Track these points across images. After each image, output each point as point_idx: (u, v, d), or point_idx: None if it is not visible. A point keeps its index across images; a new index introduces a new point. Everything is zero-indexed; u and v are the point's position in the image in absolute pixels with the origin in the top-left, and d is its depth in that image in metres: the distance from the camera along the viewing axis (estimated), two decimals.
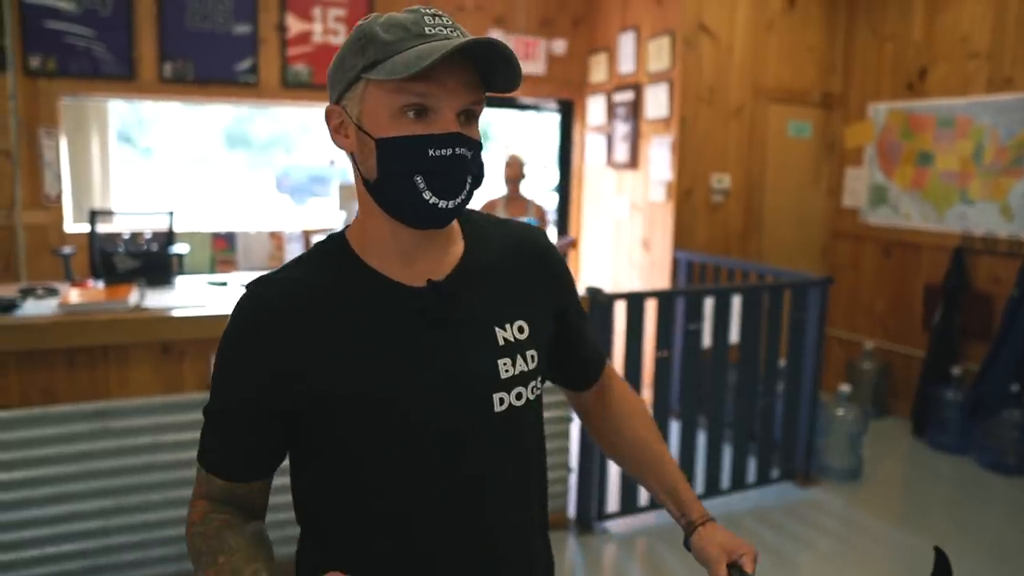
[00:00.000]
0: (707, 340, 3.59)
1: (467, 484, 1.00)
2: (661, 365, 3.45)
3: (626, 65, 5.30)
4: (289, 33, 4.94)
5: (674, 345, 3.60)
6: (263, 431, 0.98)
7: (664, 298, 3.47)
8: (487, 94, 0.96)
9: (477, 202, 4.69)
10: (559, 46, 5.62)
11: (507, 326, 1.02)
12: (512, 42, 5.47)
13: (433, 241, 1.00)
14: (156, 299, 2.84)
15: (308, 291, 0.97)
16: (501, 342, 1.01)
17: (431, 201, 0.93)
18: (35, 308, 2.67)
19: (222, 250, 4.96)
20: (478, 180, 0.97)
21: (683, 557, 3.28)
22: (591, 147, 5.81)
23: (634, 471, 1.20)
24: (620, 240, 5.53)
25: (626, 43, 5.29)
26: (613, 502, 3.51)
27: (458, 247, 1.04)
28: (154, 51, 4.75)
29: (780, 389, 3.99)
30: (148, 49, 4.74)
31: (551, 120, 6.01)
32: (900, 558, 3.36)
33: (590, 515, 3.42)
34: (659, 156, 5.00)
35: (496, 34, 5.43)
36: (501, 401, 1.00)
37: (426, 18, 0.92)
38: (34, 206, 4.62)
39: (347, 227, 1.04)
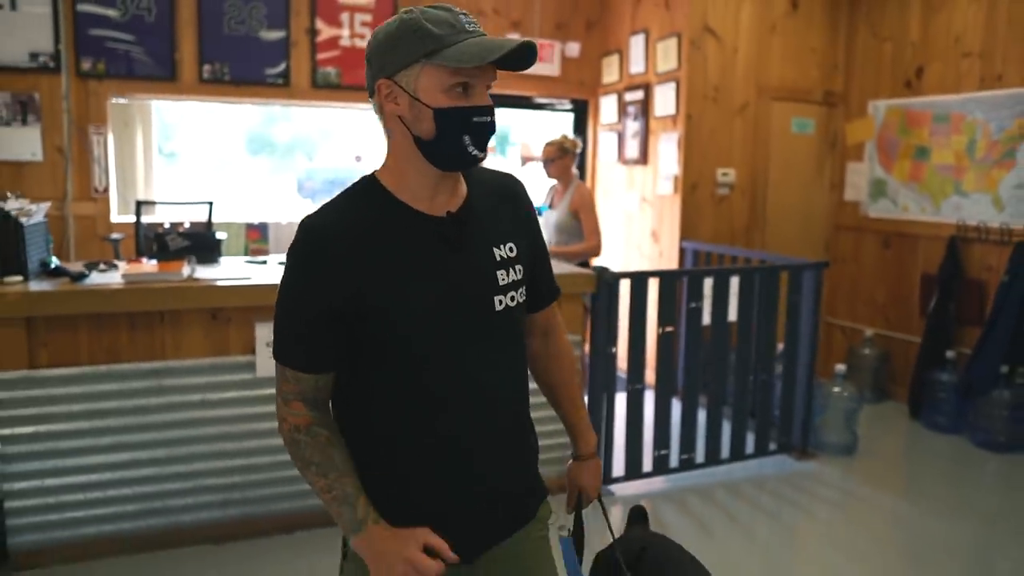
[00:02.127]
0: (707, 318, 3.84)
1: (480, 363, 1.31)
2: (664, 340, 3.72)
3: (636, 66, 5.59)
4: (319, 37, 5.27)
5: (679, 323, 3.87)
6: (336, 329, 1.26)
7: (666, 277, 3.75)
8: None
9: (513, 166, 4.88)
10: (573, 48, 5.91)
11: (501, 246, 1.34)
12: None
13: (449, 182, 1.30)
14: (205, 273, 3.16)
15: (356, 219, 1.26)
16: (498, 258, 1.32)
17: (472, 152, 1.25)
18: (101, 278, 3.00)
19: (255, 240, 5.29)
20: (494, 134, 1.29)
21: (686, 518, 3.54)
22: (603, 145, 6.10)
23: (552, 402, 1.60)
24: (631, 232, 5.80)
25: (636, 45, 5.57)
26: (619, 467, 3.77)
27: (463, 187, 1.35)
28: (194, 54, 5.10)
29: (779, 370, 4.24)
30: (188, 52, 5.09)
31: (565, 119, 6.30)
32: (895, 523, 3.59)
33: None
34: (667, 151, 5.27)
35: (513, 37, 5.72)
36: (500, 302, 1.31)
37: (460, 17, 1.22)
38: (83, 198, 4.97)
39: (376, 172, 1.33)
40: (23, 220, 2.91)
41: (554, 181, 4.64)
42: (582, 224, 4.40)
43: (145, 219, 4.59)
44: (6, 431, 2.78)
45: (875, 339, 5.32)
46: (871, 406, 5.11)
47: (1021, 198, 4.48)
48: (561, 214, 4.43)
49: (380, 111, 1.28)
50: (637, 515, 2.04)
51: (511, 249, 1.35)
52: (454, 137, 1.22)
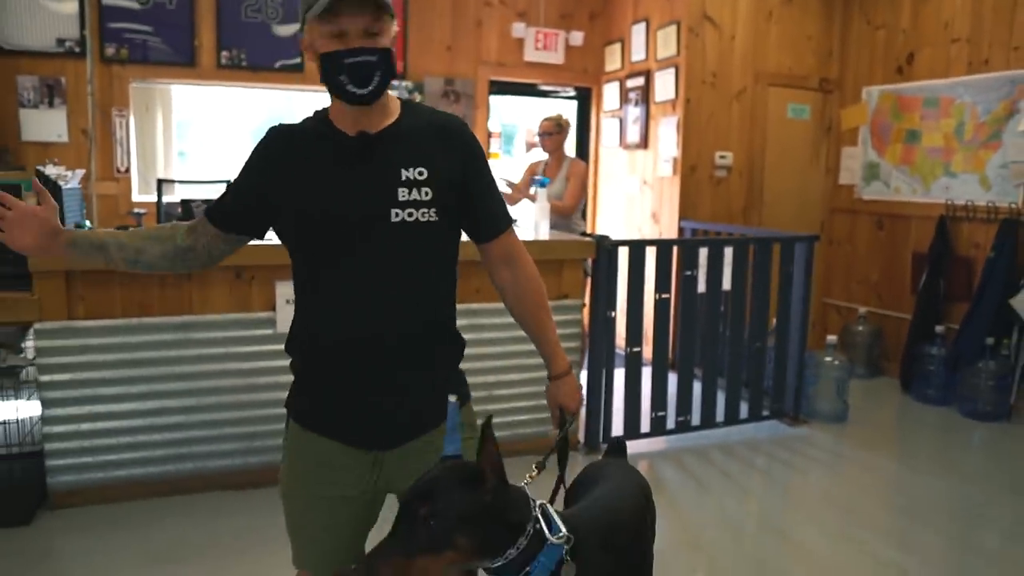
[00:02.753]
0: (702, 286, 4.04)
1: (375, 268, 1.49)
2: (660, 306, 3.92)
3: (638, 53, 5.79)
4: None
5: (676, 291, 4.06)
6: (244, 202, 1.56)
7: (663, 246, 3.95)
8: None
9: (522, 166, 5.05)
10: (577, 38, 6.12)
11: (410, 169, 1.50)
12: (533, 34, 5.98)
13: (368, 113, 1.50)
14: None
15: (298, 133, 1.55)
16: (403, 177, 1.50)
17: (350, 89, 1.44)
18: None
19: None
20: (388, 74, 1.46)
21: (683, 474, 3.73)
22: (606, 130, 6.30)
23: (524, 329, 1.71)
24: (632, 214, 6.00)
25: (638, 33, 5.77)
26: (618, 427, 3.96)
27: (392, 118, 1.54)
28: (213, 41, 5.32)
29: (772, 343, 4.42)
30: (207, 39, 5.31)
31: (569, 106, 6.50)
32: (884, 481, 3.77)
33: (597, 439, 3.88)
34: (667, 135, 5.47)
35: (519, 27, 5.95)
36: (396, 215, 1.48)
37: None
38: (106, 177, 5.20)
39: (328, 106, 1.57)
40: (62, 184, 3.12)
41: (545, 155, 4.90)
42: (567, 188, 4.66)
43: (165, 198, 4.80)
44: (46, 378, 2.99)
45: (868, 317, 5.50)
46: (864, 381, 5.29)
47: (1006, 177, 4.66)
48: (558, 185, 4.65)
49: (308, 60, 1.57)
50: (615, 446, 2.18)
51: (420, 173, 1.50)
52: (334, 76, 1.44)
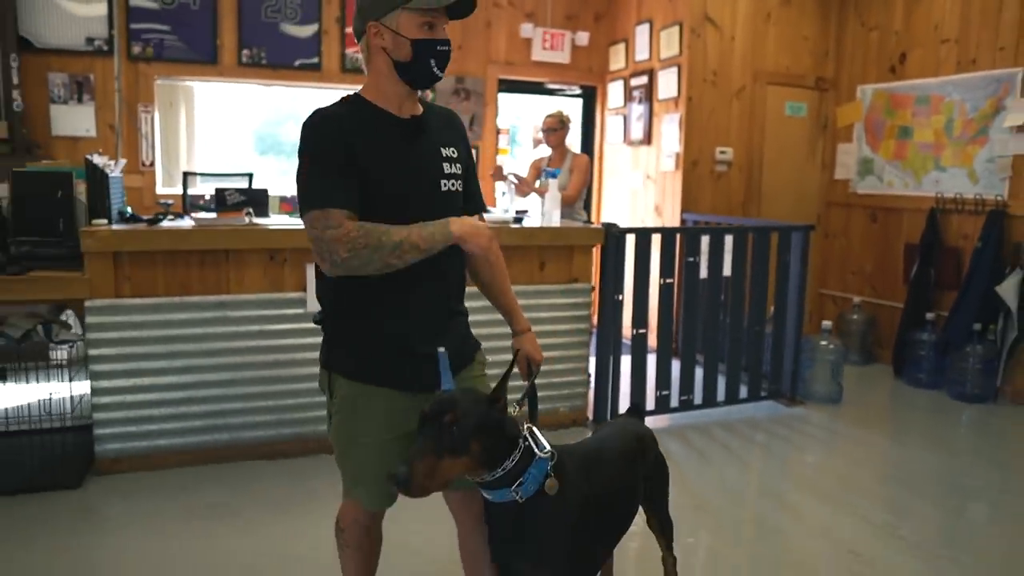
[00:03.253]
0: (704, 272, 4.26)
1: None
2: (664, 290, 4.14)
3: (641, 53, 6.02)
4: (348, 25, 5.71)
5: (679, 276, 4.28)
6: (353, 174, 1.67)
7: (667, 233, 4.18)
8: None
9: (527, 161, 5.28)
10: (582, 38, 6.35)
11: (445, 148, 1.79)
12: (541, 34, 6.21)
13: (411, 98, 1.77)
14: (261, 221, 3.59)
15: (351, 113, 1.72)
16: (443, 155, 1.78)
17: (435, 72, 1.73)
18: (172, 224, 3.44)
19: (288, 211, 5.71)
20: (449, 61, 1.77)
21: (686, 448, 3.95)
22: (611, 127, 6.53)
23: (488, 295, 1.97)
24: (635, 208, 6.23)
25: (641, 34, 6.01)
26: (624, 403, 4.18)
27: (419, 107, 1.81)
28: (234, 40, 5.54)
29: (770, 330, 4.65)
30: (229, 38, 5.54)
31: (575, 104, 6.73)
32: (876, 455, 4.00)
33: (604, 414, 4.11)
34: (669, 131, 5.70)
35: (527, 28, 6.18)
36: (443, 184, 1.77)
37: None
38: (132, 171, 5.41)
39: (359, 91, 1.77)
40: (108, 171, 3.34)
41: (548, 152, 5.17)
42: (570, 179, 4.89)
43: (189, 190, 5.01)
44: (95, 351, 3.22)
45: (863, 306, 5.73)
46: (858, 367, 5.53)
47: (993, 171, 4.90)
48: (562, 177, 4.88)
49: (366, 46, 1.74)
50: (632, 409, 2.43)
51: (453, 152, 1.82)
52: (425, 60, 1.71)
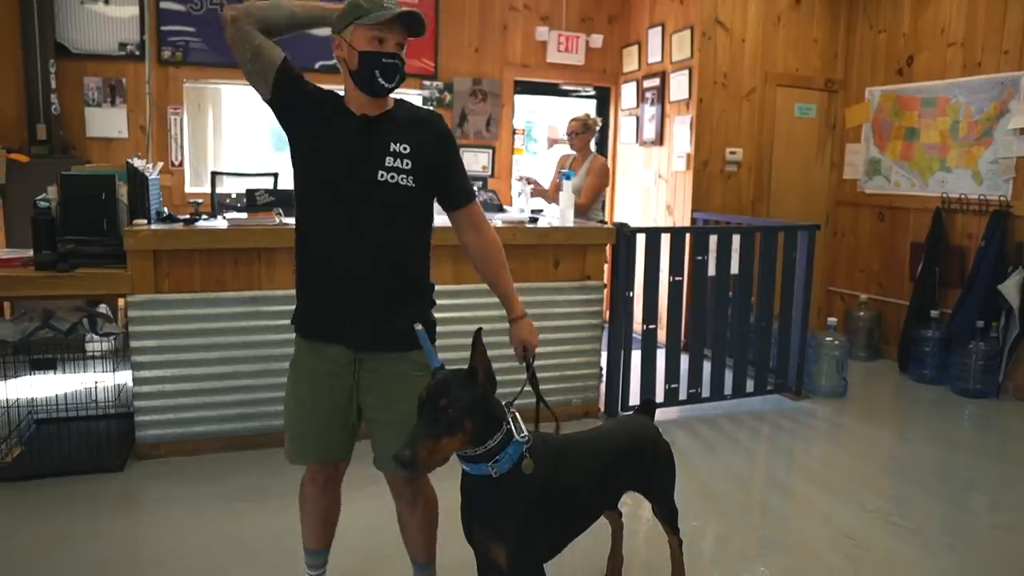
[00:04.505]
0: (712, 270, 4.42)
1: (360, 214, 1.96)
2: (674, 288, 4.31)
3: (654, 56, 6.17)
4: None
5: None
6: (282, 89, 1.97)
7: (676, 233, 4.34)
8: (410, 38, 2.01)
9: (553, 158, 5.42)
10: (596, 40, 6.51)
11: (397, 144, 1.97)
12: (556, 37, 6.37)
13: (375, 102, 1.98)
14: (290, 221, 3.78)
15: (328, 99, 2.01)
16: (391, 149, 1.96)
17: (380, 82, 1.92)
18: (207, 224, 3.64)
19: None
20: (402, 76, 1.97)
21: (694, 439, 4.12)
22: (624, 128, 6.69)
23: (489, 281, 2.13)
24: (647, 207, 6.39)
25: (654, 37, 6.16)
26: (635, 397, 4.36)
27: (387, 107, 2.01)
28: None
29: (776, 327, 4.80)
30: None
31: (588, 105, 6.89)
32: (880, 447, 4.15)
33: (616, 407, 4.28)
34: (680, 132, 5.86)
35: (542, 31, 6.35)
36: (381, 175, 1.95)
37: (384, 2, 1.91)
38: (162, 171, 5.59)
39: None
40: (147, 174, 3.55)
41: (574, 152, 5.23)
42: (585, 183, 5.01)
43: (217, 189, 5.23)
44: (137, 343, 3.43)
45: (869, 303, 5.87)
46: (864, 363, 5.67)
47: (997, 172, 5.02)
48: (579, 180, 5.01)
49: (336, 55, 2.00)
50: (644, 404, 2.58)
51: (405, 148, 1.98)
52: (370, 70, 1.91)
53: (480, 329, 1.80)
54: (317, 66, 5.85)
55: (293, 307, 2.11)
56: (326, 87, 2.03)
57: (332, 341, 2.01)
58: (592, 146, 5.17)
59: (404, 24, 1.92)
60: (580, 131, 4.99)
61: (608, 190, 6.81)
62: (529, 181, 5.09)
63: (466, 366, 1.78)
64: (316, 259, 2.01)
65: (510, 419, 1.84)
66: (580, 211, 4.82)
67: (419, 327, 1.89)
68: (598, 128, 5.14)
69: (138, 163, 3.58)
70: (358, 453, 2.20)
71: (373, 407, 2.06)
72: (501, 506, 1.83)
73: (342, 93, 2.02)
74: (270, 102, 2.00)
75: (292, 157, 2.03)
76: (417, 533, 2.23)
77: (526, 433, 1.83)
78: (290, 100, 1.98)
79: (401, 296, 2.02)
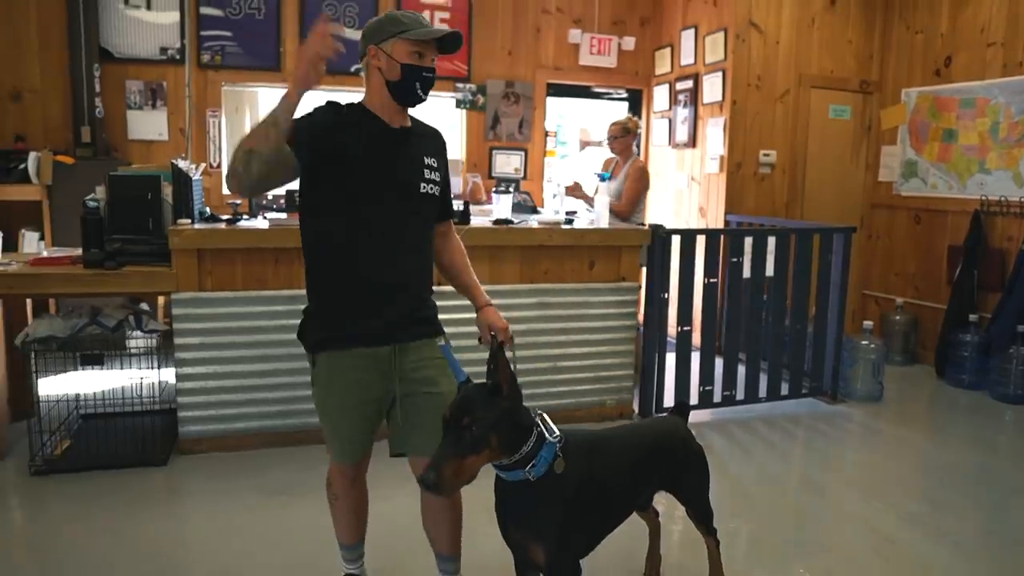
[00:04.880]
0: (747, 272, 4.41)
1: (402, 219, 2.06)
2: (708, 289, 4.30)
3: (687, 58, 6.16)
4: None
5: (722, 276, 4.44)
6: (318, 143, 1.92)
7: (711, 235, 4.33)
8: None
9: (599, 161, 5.44)
10: (628, 43, 6.51)
11: (427, 158, 2.12)
12: (588, 39, 6.39)
13: (401, 113, 2.08)
14: None
15: (351, 114, 2.04)
16: (425, 162, 2.11)
17: (419, 94, 2.04)
18: (249, 224, 3.71)
19: None
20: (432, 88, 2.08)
21: (729, 442, 4.11)
22: (656, 130, 6.69)
23: (450, 277, 2.29)
24: (680, 209, 6.37)
25: (687, 39, 6.15)
26: (668, 399, 4.36)
27: (408, 121, 2.12)
28: (296, 47, 5.82)
29: (811, 329, 4.76)
30: (292, 45, 5.83)
31: (621, 107, 6.90)
32: (917, 451, 4.11)
33: (650, 408, 4.28)
34: (714, 134, 5.84)
35: (575, 33, 6.37)
36: (422, 187, 2.09)
37: (420, 17, 2.05)
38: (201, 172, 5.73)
39: (362, 100, 2.06)
40: (191, 175, 3.63)
41: (615, 155, 5.22)
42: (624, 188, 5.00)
43: None
44: (180, 340, 3.50)
45: (905, 307, 5.80)
46: (900, 368, 5.61)
47: None
48: (618, 183, 5.02)
49: (366, 65, 2.04)
50: (677, 406, 2.57)
51: (433, 161, 2.14)
52: (410, 82, 2.01)
53: (501, 343, 1.89)
54: (352, 69, 5.91)
55: None
56: (329, 94, 2.10)
57: (375, 344, 2.05)
58: (634, 149, 5.13)
59: (442, 43, 2.03)
60: (619, 135, 4.99)
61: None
62: (575, 192, 5.05)
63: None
64: (361, 269, 2.02)
65: (539, 422, 1.86)
66: (622, 217, 4.81)
67: (442, 342, 2.06)
68: (639, 131, 5.12)
69: (182, 164, 3.66)
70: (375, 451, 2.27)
71: (414, 392, 2.10)
72: (538, 507, 1.85)
73: (354, 100, 2.07)
74: (311, 167, 1.93)
75: (317, 173, 1.96)
76: (443, 523, 2.26)
77: (558, 433, 1.86)
78: (321, 148, 1.92)
79: (427, 288, 2.18)
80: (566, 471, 1.84)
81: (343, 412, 2.12)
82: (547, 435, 1.84)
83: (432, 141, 2.17)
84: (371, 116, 2.04)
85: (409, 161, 2.07)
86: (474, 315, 2.22)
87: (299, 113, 1.89)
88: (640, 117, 6.82)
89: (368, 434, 2.17)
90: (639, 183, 4.89)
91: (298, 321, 3.60)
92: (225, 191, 5.81)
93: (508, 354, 1.88)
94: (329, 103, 2.03)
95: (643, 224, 4.84)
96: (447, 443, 1.71)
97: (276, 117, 1.81)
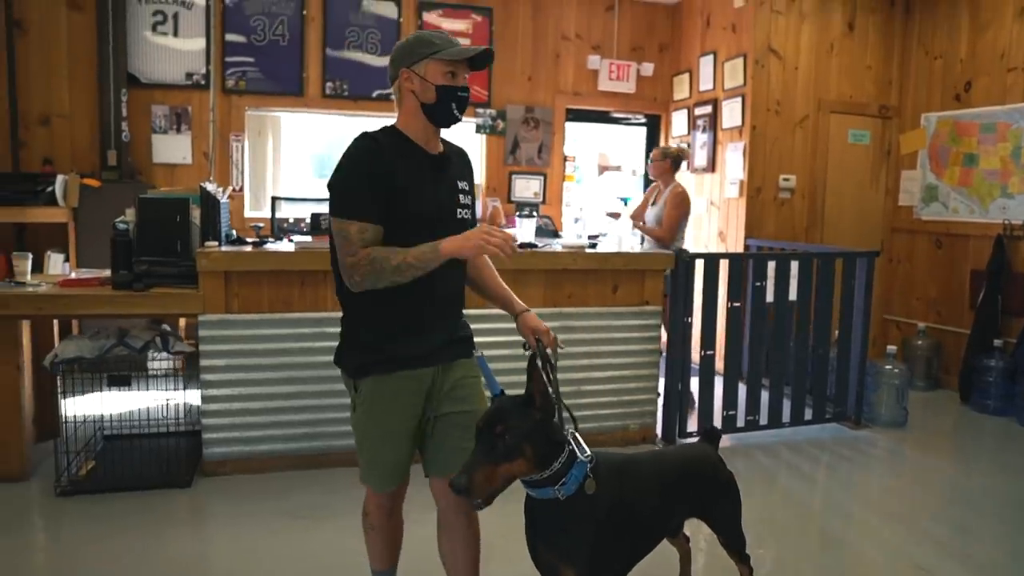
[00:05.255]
0: (770, 296, 4.39)
1: None
2: (732, 314, 4.29)
3: (705, 83, 6.20)
4: None
5: (745, 300, 4.43)
6: (382, 197, 1.92)
7: (735, 259, 4.33)
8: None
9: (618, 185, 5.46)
10: (647, 69, 6.56)
11: (461, 182, 2.10)
12: (607, 65, 6.44)
13: (436, 135, 2.06)
14: None
15: (391, 140, 1.99)
16: (459, 187, 2.09)
17: (455, 114, 2.01)
18: (275, 246, 3.74)
19: None
20: (467, 108, 2.05)
21: (753, 466, 4.07)
22: None
23: (479, 288, 2.25)
24: (699, 234, 6.37)
25: (706, 65, 6.19)
26: (692, 423, 4.33)
27: (441, 144, 2.09)
28: (319, 73, 5.91)
29: (834, 354, 4.73)
30: (314, 71, 5.90)
31: (639, 133, 6.94)
32: (943, 477, 4.06)
33: (674, 432, 4.25)
34: (733, 159, 5.86)
35: (594, 59, 6.43)
36: (459, 212, 2.07)
37: (448, 37, 2.01)
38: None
39: (394, 124, 2.04)
40: (219, 198, 3.66)
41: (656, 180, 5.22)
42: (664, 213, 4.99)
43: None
44: (206, 362, 3.52)
45: (928, 332, 5.76)
46: (923, 393, 5.55)
47: None
48: (658, 209, 4.98)
49: (398, 89, 2.02)
50: (707, 432, 2.55)
51: (466, 185, 2.13)
52: (446, 103, 1.99)
53: (535, 355, 1.89)
54: (375, 95, 6.00)
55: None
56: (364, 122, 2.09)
57: (420, 366, 2.04)
58: (677, 176, 5.06)
59: (473, 60, 2.00)
60: (658, 159, 4.97)
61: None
62: (615, 216, 5.07)
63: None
64: (407, 294, 1.97)
65: (571, 440, 1.85)
66: (663, 243, 4.79)
67: (479, 353, 2.05)
68: (680, 157, 5.05)
69: (210, 187, 3.70)
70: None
71: (449, 412, 2.10)
72: (569, 528, 1.83)
73: (388, 124, 2.06)
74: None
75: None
76: (460, 550, 2.19)
77: (589, 453, 1.85)
78: (392, 190, 1.94)
79: (462, 309, 2.20)
80: (597, 492, 1.82)
81: (385, 438, 2.07)
82: (579, 454, 1.82)
83: (462, 164, 2.18)
84: (410, 144, 2.02)
85: (448, 188, 2.07)
86: (509, 325, 2.21)
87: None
88: (658, 142, 6.85)
89: (408, 459, 2.13)
90: (678, 209, 4.84)
91: (324, 344, 3.66)
92: (248, 213, 5.88)
93: (548, 357, 1.98)
94: (368, 141, 1.96)
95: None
96: (480, 451, 1.72)
97: (425, 268, 1.89)
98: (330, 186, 1.96)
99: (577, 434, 1.88)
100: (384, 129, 2.05)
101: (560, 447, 1.81)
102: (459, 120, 2.04)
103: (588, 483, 1.81)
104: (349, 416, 2.14)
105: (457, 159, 2.16)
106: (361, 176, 1.92)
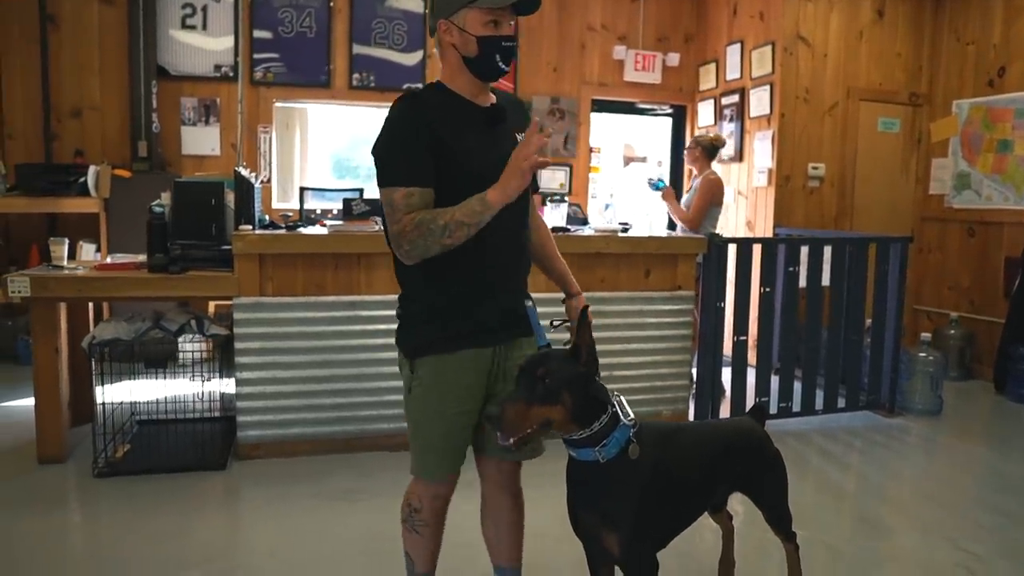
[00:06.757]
0: (803, 281, 4.35)
1: (516, 205, 1.83)
2: (765, 299, 4.25)
3: (732, 72, 6.16)
4: None
5: (778, 285, 4.39)
6: (429, 156, 1.78)
7: (768, 244, 4.29)
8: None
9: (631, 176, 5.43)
10: (673, 59, 6.53)
11: (519, 133, 1.89)
12: (633, 56, 6.42)
13: (484, 89, 1.92)
14: None
15: (437, 97, 1.87)
16: (517, 139, 1.87)
17: (500, 66, 1.86)
18: (309, 230, 3.75)
19: None
20: (515, 57, 1.90)
21: (785, 451, 4.00)
22: None
23: (547, 262, 2.16)
24: (727, 223, 6.32)
25: (732, 54, 6.15)
26: (725, 409, 4.29)
27: (491, 96, 1.96)
28: (345, 65, 5.93)
29: (867, 341, 4.67)
30: (341, 63, 5.92)
31: (665, 123, 6.90)
32: (978, 464, 4.00)
33: (705, 417, 4.21)
34: (762, 148, 5.81)
35: (620, 50, 6.40)
36: None
37: None
38: None
39: (438, 80, 1.91)
40: (252, 182, 3.68)
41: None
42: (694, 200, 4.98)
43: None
44: (241, 345, 3.53)
45: (960, 321, 5.68)
46: (957, 383, 5.47)
47: None
48: (690, 195, 4.98)
49: (439, 42, 1.89)
50: (755, 408, 2.52)
51: (521, 134, 1.89)
52: (490, 54, 1.83)
53: (587, 307, 1.81)
54: (404, 87, 6.01)
55: (391, 312, 2.03)
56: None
57: (483, 344, 1.91)
58: (713, 164, 5.01)
59: (518, 6, 1.82)
60: (692, 146, 5.00)
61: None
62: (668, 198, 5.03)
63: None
64: (472, 264, 1.85)
65: (616, 403, 1.82)
66: (690, 227, 4.80)
67: (529, 303, 1.92)
68: (714, 146, 5.00)
69: (244, 171, 3.71)
70: None
71: (502, 391, 2.00)
72: (612, 492, 1.81)
73: (434, 82, 1.93)
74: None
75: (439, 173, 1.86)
76: (510, 531, 2.15)
77: (633, 417, 1.82)
78: (441, 151, 1.80)
79: (525, 280, 2.04)
80: (640, 458, 1.80)
81: (444, 420, 1.92)
82: (622, 417, 1.81)
83: (519, 113, 2.07)
84: (458, 98, 1.88)
85: (504, 140, 1.91)
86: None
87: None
88: (684, 132, 6.82)
89: (465, 445, 1.99)
90: (707, 195, 4.82)
91: (356, 327, 3.66)
92: (275, 204, 5.91)
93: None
94: (410, 100, 1.84)
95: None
96: (519, 390, 1.71)
97: (477, 223, 1.75)
98: (373, 153, 1.84)
99: (622, 398, 1.85)
100: (429, 85, 1.93)
101: (602, 406, 1.78)
102: (506, 72, 1.89)
103: (632, 448, 1.79)
104: (403, 399, 2.01)
105: (512, 108, 2.01)
106: (405, 138, 1.79)
